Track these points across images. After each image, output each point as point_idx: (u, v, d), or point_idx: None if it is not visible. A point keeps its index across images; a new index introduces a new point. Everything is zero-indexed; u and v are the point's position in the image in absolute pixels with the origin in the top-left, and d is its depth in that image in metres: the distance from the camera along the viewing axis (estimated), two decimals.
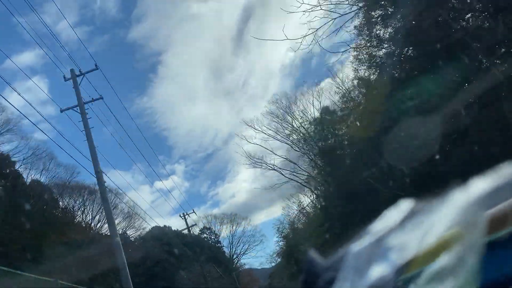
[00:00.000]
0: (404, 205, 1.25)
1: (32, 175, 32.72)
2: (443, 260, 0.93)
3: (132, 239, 42.55)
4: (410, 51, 15.81)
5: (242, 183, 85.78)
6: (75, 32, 64.51)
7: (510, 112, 14.19)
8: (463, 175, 1.28)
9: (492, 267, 0.93)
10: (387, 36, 18.05)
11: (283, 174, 36.52)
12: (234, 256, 69.35)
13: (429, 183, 15.35)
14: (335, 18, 16.59)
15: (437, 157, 14.83)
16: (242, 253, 70.40)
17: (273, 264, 69.14)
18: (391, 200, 1.41)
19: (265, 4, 76.24)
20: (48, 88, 59.91)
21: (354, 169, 19.89)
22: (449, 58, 14.92)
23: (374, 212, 1.38)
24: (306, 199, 42.46)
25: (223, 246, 65.93)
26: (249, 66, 78.68)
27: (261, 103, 79.45)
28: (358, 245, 1.21)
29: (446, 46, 14.70)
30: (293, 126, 34.08)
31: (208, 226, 63.30)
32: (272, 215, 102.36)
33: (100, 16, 63.97)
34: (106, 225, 39.23)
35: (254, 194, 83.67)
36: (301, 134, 33.30)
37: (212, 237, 62.89)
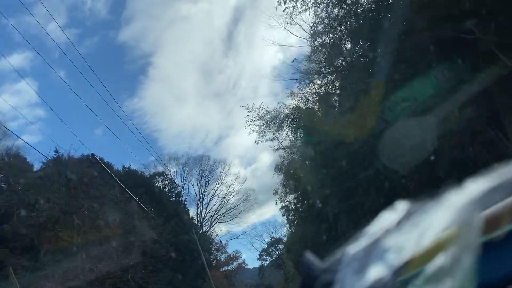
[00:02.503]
0: (400, 206, 1.26)
1: None
2: (440, 260, 0.93)
3: None
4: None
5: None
6: (58, 38, 64.38)
7: (504, 113, 14.29)
8: (459, 176, 1.29)
9: (488, 267, 0.93)
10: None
11: None
12: (205, 215, 49.33)
13: (425, 184, 15.42)
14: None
15: (432, 158, 14.89)
16: (218, 215, 49.70)
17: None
18: (387, 202, 1.41)
19: (255, 6, 76.45)
20: (38, 90, 59.59)
21: (350, 171, 19.92)
22: (443, 59, 15.02)
23: (371, 214, 1.39)
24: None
25: (186, 201, 44.55)
26: (239, 68, 79.03)
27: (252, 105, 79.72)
28: (355, 247, 1.21)
29: (440, 48, 14.80)
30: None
31: (161, 171, 40.99)
32: (263, 217, 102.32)
33: (90, 18, 63.67)
34: None
35: (244, 195, 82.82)
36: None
37: (170, 187, 40.49)
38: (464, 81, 14.06)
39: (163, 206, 33.93)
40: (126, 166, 34.62)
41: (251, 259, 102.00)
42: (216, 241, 50.71)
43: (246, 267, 59.98)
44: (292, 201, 32.53)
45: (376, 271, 1.05)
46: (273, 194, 35.80)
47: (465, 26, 13.01)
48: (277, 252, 59.24)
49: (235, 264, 55.14)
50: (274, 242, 58.75)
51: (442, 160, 15.01)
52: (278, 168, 33.80)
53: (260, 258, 60.58)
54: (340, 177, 20.89)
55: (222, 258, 52.93)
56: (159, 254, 26.27)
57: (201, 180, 50.51)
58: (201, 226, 48.04)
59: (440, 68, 15.18)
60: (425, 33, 14.58)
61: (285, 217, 34.86)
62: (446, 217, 1.00)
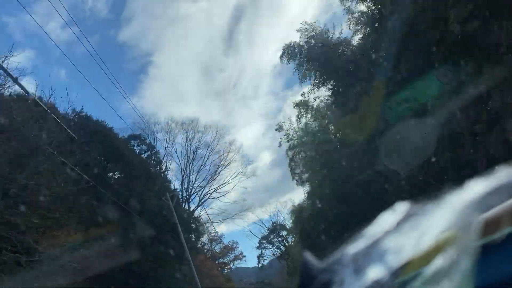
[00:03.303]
0: (400, 208, 1.26)
1: None
2: (438, 262, 0.93)
3: None
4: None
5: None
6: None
7: (506, 115, 14.26)
8: (459, 178, 1.29)
9: (486, 270, 0.93)
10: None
11: None
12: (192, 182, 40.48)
13: (425, 185, 15.41)
14: None
15: (433, 160, 14.89)
16: (210, 189, 41.42)
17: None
18: (387, 203, 1.41)
19: (256, 4, 76.42)
20: (38, 90, 59.67)
21: (350, 172, 19.91)
22: (446, 60, 14.99)
23: (370, 215, 1.39)
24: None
25: (168, 170, 36.91)
26: (239, 67, 79.41)
27: (252, 104, 79.70)
28: (354, 248, 1.21)
29: (443, 49, 14.77)
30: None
31: (137, 134, 32.08)
32: (263, 216, 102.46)
33: (90, 17, 63.79)
34: None
35: (244, 195, 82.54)
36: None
37: (148, 153, 31.27)
38: (466, 83, 14.04)
39: (133, 168, 26.31)
40: (78, 110, 24.25)
41: (250, 258, 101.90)
42: (207, 226, 43.52)
43: (245, 266, 56.26)
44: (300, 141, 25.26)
45: (374, 272, 1.06)
46: (276, 130, 28.94)
47: (468, 27, 12.99)
48: (279, 239, 52.43)
49: (231, 256, 50.45)
50: (276, 229, 52.06)
51: (443, 162, 15.00)
52: (289, 52, 22.45)
53: (260, 246, 52.89)
54: (340, 177, 20.88)
55: (218, 249, 47.70)
56: (114, 223, 19.05)
57: (187, 147, 41.97)
58: (187, 202, 40.97)
59: (442, 69, 15.16)
60: (428, 34, 14.57)
61: (290, 168, 27.79)
62: (445, 219, 1.00)
